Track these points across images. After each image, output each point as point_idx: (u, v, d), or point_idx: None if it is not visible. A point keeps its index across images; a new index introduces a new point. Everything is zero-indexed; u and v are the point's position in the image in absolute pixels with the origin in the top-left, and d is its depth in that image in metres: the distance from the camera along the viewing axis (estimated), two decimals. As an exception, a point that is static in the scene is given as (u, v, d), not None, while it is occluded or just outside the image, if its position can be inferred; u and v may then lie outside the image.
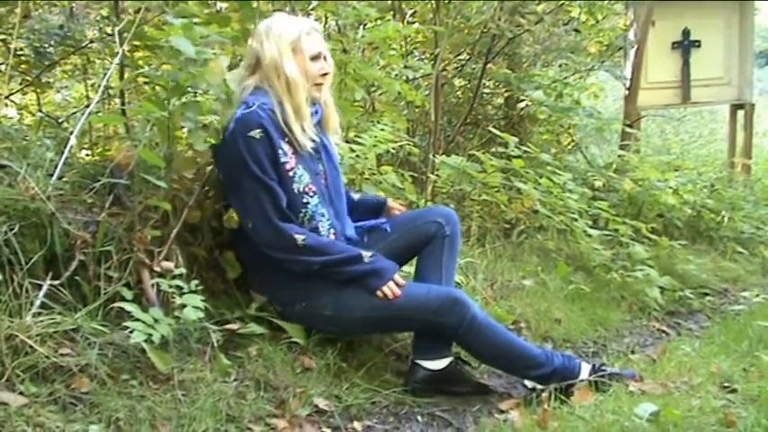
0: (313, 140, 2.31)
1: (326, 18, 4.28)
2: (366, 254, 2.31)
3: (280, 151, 2.24)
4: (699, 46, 6.94)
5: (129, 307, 1.94)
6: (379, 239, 2.52)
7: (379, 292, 2.27)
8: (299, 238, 2.23)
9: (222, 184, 2.36)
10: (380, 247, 2.46)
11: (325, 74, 2.35)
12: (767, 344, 2.88)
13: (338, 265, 2.28)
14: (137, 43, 2.86)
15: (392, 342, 2.66)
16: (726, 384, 2.30)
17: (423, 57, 5.46)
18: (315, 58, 2.32)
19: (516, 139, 4.29)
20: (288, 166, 2.26)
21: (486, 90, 5.93)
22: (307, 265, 2.26)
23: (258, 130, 2.20)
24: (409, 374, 2.41)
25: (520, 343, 2.41)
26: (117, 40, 2.52)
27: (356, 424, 2.08)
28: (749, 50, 7.10)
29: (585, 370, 2.39)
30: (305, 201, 2.30)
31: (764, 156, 9.41)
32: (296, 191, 2.28)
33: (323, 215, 2.34)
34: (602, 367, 2.43)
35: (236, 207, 2.29)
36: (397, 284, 2.29)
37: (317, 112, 2.38)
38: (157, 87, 2.32)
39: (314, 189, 2.32)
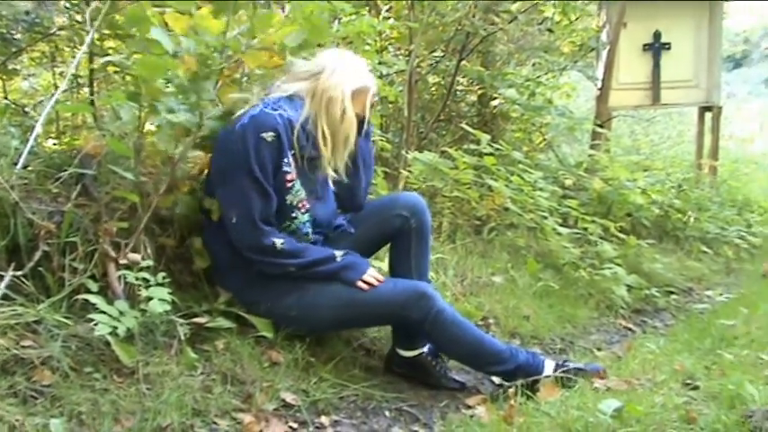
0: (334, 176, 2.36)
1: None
2: (338, 253, 2.32)
3: (285, 160, 2.23)
4: (669, 48, 7.04)
5: (93, 299, 1.91)
6: (344, 235, 2.51)
7: (360, 283, 2.28)
8: (278, 242, 2.22)
9: (212, 171, 2.32)
10: (345, 240, 2.47)
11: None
12: (729, 342, 2.93)
13: (313, 266, 2.28)
14: (107, 31, 2.82)
15: (361, 337, 2.66)
16: (688, 381, 2.33)
17: (397, 53, 5.46)
18: (361, 121, 2.35)
19: (489, 137, 4.31)
20: (288, 177, 2.25)
21: (460, 87, 5.95)
22: (282, 267, 2.25)
23: (272, 134, 2.18)
24: (387, 359, 2.54)
25: (485, 338, 2.42)
26: (87, 27, 2.48)
27: (323, 418, 2.07)
28: (718, 54, 7.21)
29: (549, 367, 2.40)
30: (294, 215, 2.29)
31: (730, 158, 9.57)
32: (288, 202, 2.27)
33: (307, 235, 2.35)
34: (566, 363, 2.44)
35: (222, 199, 2.24)
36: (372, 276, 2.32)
37: None
38: (128, 77, 2.28)
39: (307, 207, 2.32)
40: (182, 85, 2.18)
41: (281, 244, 2.22)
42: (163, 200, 2.24)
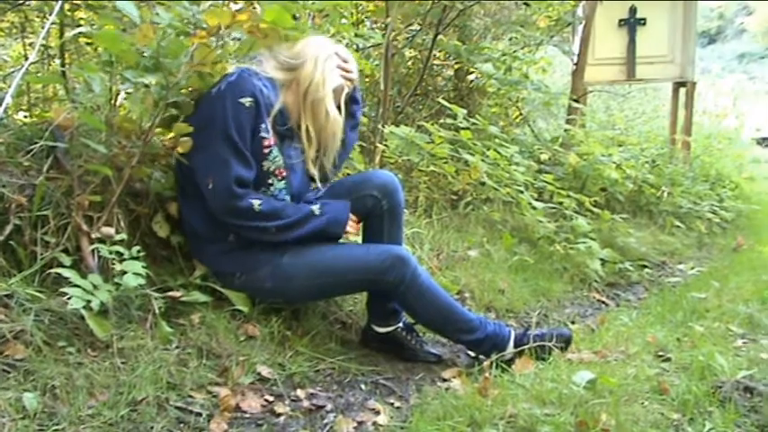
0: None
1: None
2: (315, 207, 2.31)
3: (263, 125, 2.21)
4: (644, 24, 7.07)
5: (66, 273, 1.90)
6: None
7: (342, 239, 2.32)
8: (256, 203, 2.20)
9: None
10: None
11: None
12: (701, 315, 2.98)
13: (293, 227, 2.26)
14: (77, 2, 2.77)
15: (337, 310, 2.67)
16: (660, 353, 2.37)
17: (374, 26, 5.42)
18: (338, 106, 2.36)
19: (465, 111, 4.30)
20: (266, 143, 2.23)
21: (437, 61, 5.93)
22: (262, 230, 2.23)
23: (249, 99, 2.17)
24: (363, 334, 2.57)
25: (456, 307, 2.42)
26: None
27: (299, 392, 2.08)
28: (692, 29, 7.25)
29: (513, 338, 2.42)
30: (270, 181, 2.27)
31: (704, 133, 9.66)
32: (265, 168, 2.25)
33: (283, 201, 2.33)
34: (527, 333, 2.45)
35: (199, 165, 2.20)
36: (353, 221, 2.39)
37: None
38: (100, 49, 2.24)
39: (284, 174, 2.30)
40: (146, 55, 2.14)
41: (259, 205, 2.20)
42: (137, 172, 2.22)
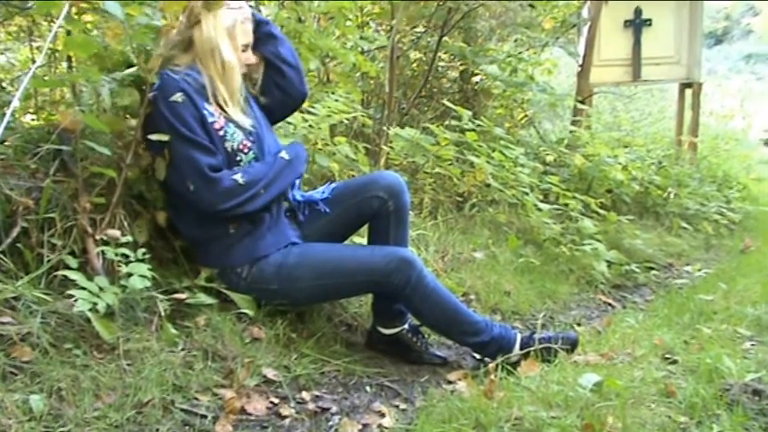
0: (249, 117, 2.34)
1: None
2: (283, 153, 2.35)
3: (205, 112, 2.21)
4: (650, 24, 7.04)
5: (73, 275, 1.90)
6: (319, 215, 2.48)
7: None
8: (238, 177, 2.21)
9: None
10: (321, 221, 2.46)
11: (250, 64, 2.38)
12: (708, 317, 2.96)
13: (276, 179, 2.30)
14: (85, 5, 2.77)
15: (342, 312, 2.67)
16: (667, 356, 2.36)
17: (379, 28, 5.42)
18: (243, 48, 2.32)
19: (470, 113, 4.29)
20: (217, 126, 2.22)
21: (442, 63, 5.91)
22: (254, 198, 2.23)
23: (179, 94, 2.17)
24: (368, 336, 2.56)
25: (462, 309, 2.42)
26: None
27: (304, 394, 2.08)
28: (698, 30, 7.22)
29: (519, 341, 2.43)
30: (239, 158, 2.27)
31: (710, 134, 9.63)
32: (229, 149, 2.25)
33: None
34: (533, 336, 2.45)
35: (174, 178, 2.21)
36: None
37: None
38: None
39: (248, 145, 2.29)
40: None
41: (242, 177, 2.21)
42: (132, 173, 2.22)
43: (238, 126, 2.28)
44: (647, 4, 7.02)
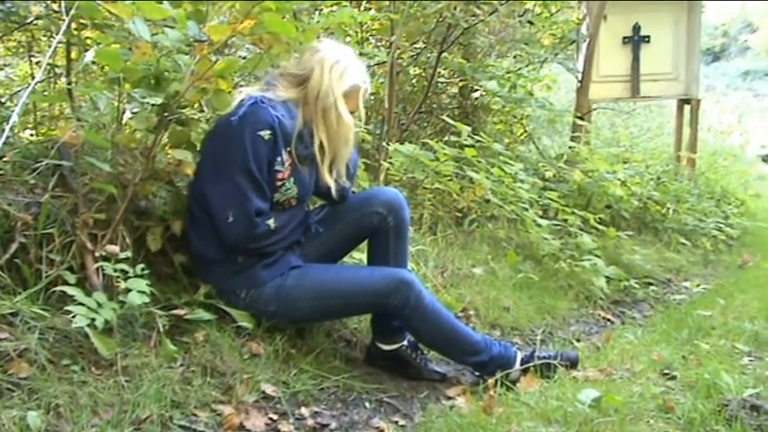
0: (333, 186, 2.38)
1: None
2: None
3: (279, 158, 2.21)
4: (648, 41, 7.10)
5: (71, 291, 1.90)
6: (315, 236, 2.48)
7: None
8: (271, 223, 2.23)
9: (204, 166, 2.25)
10: (322, 238, 2.47)
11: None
12: (706, 332, 2.96)
13: (297, 230, 2.37)
14: (84, 21, 2.79)
15: (341, 328, 2.66)
16: (666, 371, 2.35)
17: (378, 44, 5.44)
18: (352, 111, 2.33)
19: (469, 129, 4.31)
20: (279, 176, 2.22)
21: (441, 79, 5.95)
22: (275, 243, 2.27)
23: (268, 132, 2.15)
24: (368, 352, 2.55)
25: (462, 328, 2.42)
26: (63, 16, 2.45)
27: (304, 410, 2.07)
28: (696, 47, 7.27)
29: (520, 359, 2.43)
30: (279, 208, 2.28)
31: (709, 150, 9.66)
32: (275, 199, 2.25)
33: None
34: (533, 355, 2.45)
35: (215, 197, 2.18)
36: None
37: None
38: (107, 68, 2.25)
39: (293, 203, 2.31)
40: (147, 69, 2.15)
41: (274, 223, 2.23)
42: (140, 190, 2.22)
43: (297, 182, 2.28)
44: (646, 21, 7.07)
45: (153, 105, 2.15)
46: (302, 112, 2.27)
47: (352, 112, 2.32)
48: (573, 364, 2.46)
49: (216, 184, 2.18)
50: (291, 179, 2.26)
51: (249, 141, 2.13)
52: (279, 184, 2.23)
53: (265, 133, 2.15)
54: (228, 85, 2.33)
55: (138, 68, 2.15)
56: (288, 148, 2.23)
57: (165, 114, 2.18)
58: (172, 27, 2.14)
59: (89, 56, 2.09)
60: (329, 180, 2.35)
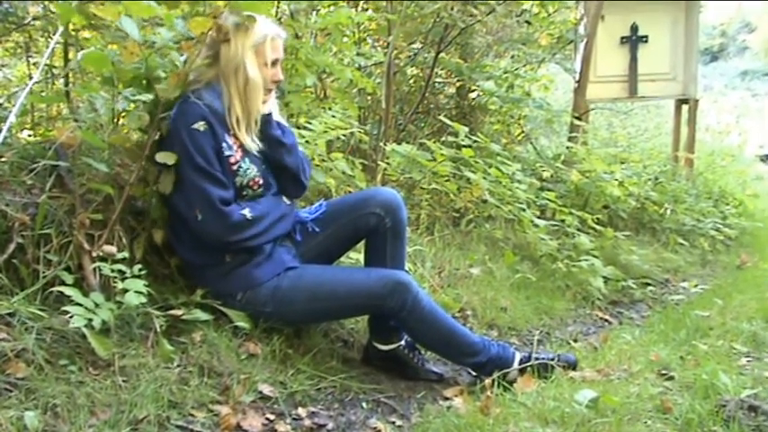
0: (258, 145, 2.31)
1: (279, 2, 4.23)
2: (285, 199, 2.39)
3: (224, 144, 2.21)
4: (646, 41, 7.09)
5: (68, 291, 1.90)
6: (311, 236, 2.47)
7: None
8: (247, 213, 2.22)
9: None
10: (318, 238, 2.46)
11: (277, 81, 2.33)
12: (704, 333, 2.96)
13: (279, 220, 2.34)
14: (81, 22, 2.79)
15: (339, 329, 2.66)
16: (663, 372, 2.35)
17: (376, 44, 5.45)
18: (273, 64, 2.29)
19: (467, 129, 4.30)
20: (232, 160, 2.23)
21: (438, 79, 5.95)
22: (258, 235, 2.25)
23: (202, 122, 2.16)
24: (365, 351, 2.55)
25: (459, 329, 2.42)
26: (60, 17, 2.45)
27: (300, 410, 2.07)
28: (694, 47, 7.27)
29: (518, 360, 2.43)
30: (245, 193, 2.28)
31: (707, 150, 9.66)
32: (238, 183, 2.25)
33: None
34: (531, 356, 2.45)
35: (180, 203, 2.21)
36: None
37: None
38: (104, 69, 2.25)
39: (260, 183, 2.29)
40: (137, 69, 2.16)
41: (249, 212, 2.23)
42: (135, 190, 2.22)
43: (253, 162, 2.27)
44: (643, 20, 7.07)
45: (145, 104, 2.15)
46: (224, 85, 2.25)
47: (271, 64, 2.26)
48: (572, 367, 2.46)
49: (177, 190, 2.21)
50: (246, 159, 2.26)
51: (187, 138, 2.15)
52: (235, 168, 2.23)
53: (200, 125, 2.16)
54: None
55: (128, 68, 2.15)
56: (231, 132, 2.23)
57: (157, 111, 2.18)
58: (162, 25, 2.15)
59: (79, 58, 2.10)
60: (252, 145, 2.28)
